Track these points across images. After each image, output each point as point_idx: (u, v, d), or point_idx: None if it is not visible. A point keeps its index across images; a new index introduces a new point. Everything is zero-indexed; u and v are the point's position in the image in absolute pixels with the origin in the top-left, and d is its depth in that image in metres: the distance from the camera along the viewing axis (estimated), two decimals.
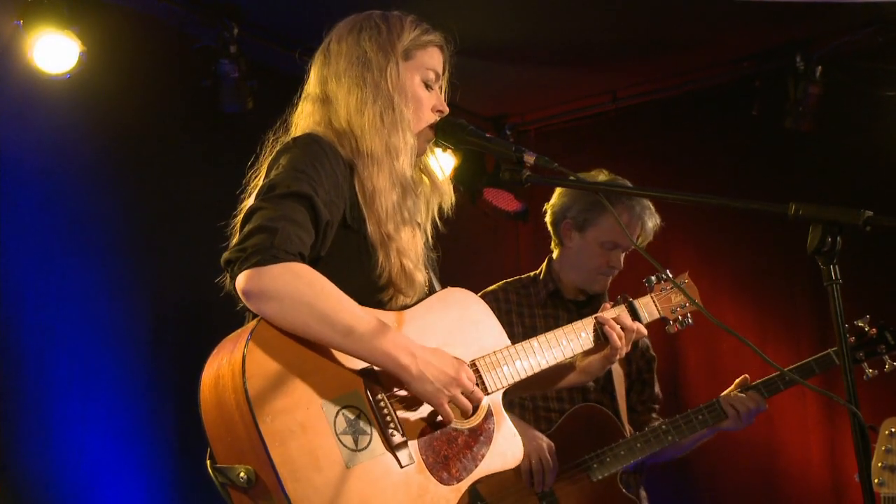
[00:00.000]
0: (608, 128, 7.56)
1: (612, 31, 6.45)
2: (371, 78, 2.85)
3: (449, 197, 3.04)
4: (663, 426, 4.16)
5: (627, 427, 4.31)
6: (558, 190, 4.45)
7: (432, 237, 3.05)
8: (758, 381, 4.23)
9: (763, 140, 6.89)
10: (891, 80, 6.30)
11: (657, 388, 4.52)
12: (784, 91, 6.54)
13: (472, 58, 6.19)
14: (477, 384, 2.83)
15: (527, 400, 4.26)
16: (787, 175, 6.73)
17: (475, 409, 2.81)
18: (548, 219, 4.49)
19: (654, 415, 4.46)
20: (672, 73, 7.09)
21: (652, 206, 4.33)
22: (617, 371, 4.33)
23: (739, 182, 6.92)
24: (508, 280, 4.47)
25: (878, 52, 6.35)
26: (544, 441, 4.00)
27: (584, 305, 4.39)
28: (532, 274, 4.48)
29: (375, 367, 2.62)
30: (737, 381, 4.26)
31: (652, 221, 4.33)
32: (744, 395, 4.18)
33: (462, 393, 2.70)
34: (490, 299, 4.26)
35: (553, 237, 4.48)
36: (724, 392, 4.23)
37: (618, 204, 4.19)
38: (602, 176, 4.31)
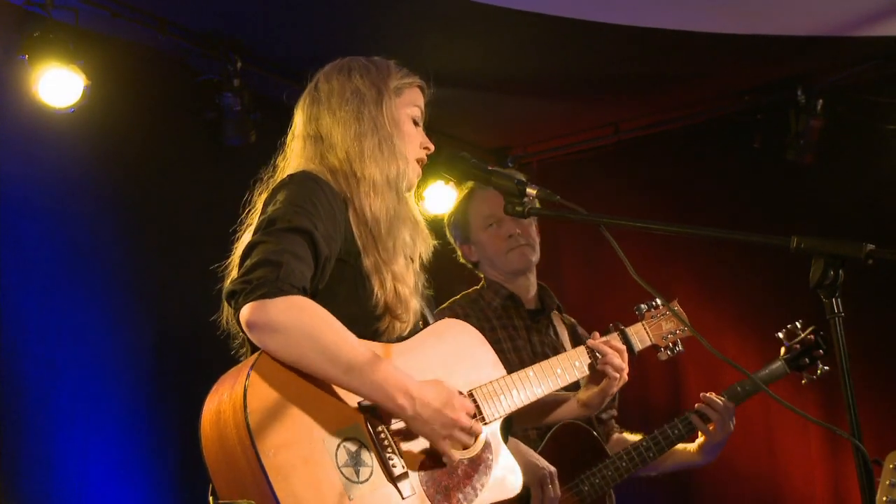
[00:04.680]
0: (610, 160, 7.58)
1: (615, 64, 6.48)
2: (368, 111, 2.90)
3: (428, 243, 3.03)
4: (644, 443, 4.10)
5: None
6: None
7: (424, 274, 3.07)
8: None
9: (765, 172, 6.91)
10: (892, 113, 6.33)
11: (617, 396, 4.45)
12: (785, 124, 6.58)
13: (475, 90, 6.21)
14: (475, 415, 2.84)
15: None
16: (789, 207, 6.75)
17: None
18: (462, 260, 4.49)
19: (613, 421, 4.38)
20: (674, 105, 7.12)
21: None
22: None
23: (741, 214, 6.93)
24: (455, 298, 4.34)
25: (879, 85, 6.39)
26: (546, 470, 3.94)
27: (537, 314, 4.31)
28: (472, 290, 4.37)
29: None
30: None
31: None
32: (716, 398, 4.14)
33: (461, 432, 2.71)
34: (447, 314, 4.16)
35: (473, 269, 4.45)
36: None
37: (482, 191, 4.25)
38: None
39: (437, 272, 3.11)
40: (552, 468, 3.92)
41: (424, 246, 3.01)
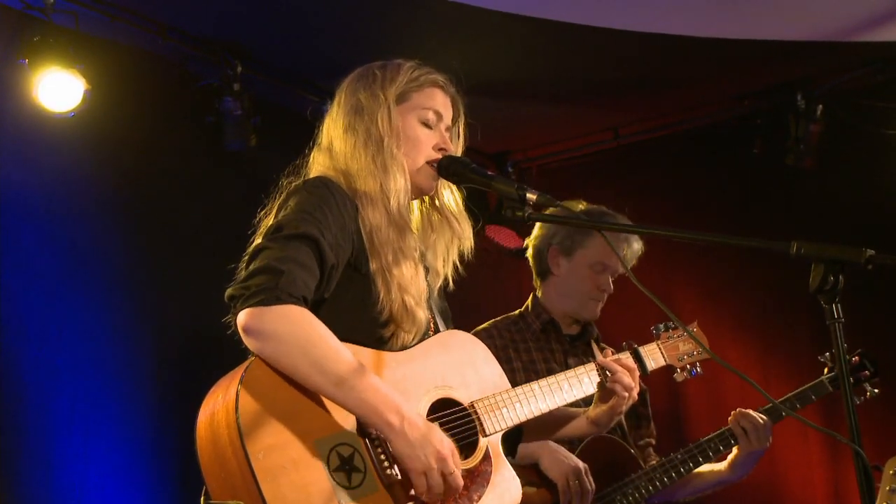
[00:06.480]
0: (610, 165, 7.59)
1: (614, 68, 6.49)
2: (362, 124, 2.92)
3: (468, 240, 3.08)
4: (678, 456, 4.10)
5: None
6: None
7: (453, 280, 3.08)
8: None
9: (764, 177, 6.91)
10: (891, 117, 6.33)
11: (653, 424, 4.47)
12: (785, 129, 6.57)
13: (475, 95, 6.19)
14: (476, 426, 2.84)
15: None
16: (789, 212, 6.75)
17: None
18: (530, 252, 4.46)
19: (651, 449, 4.38)
20: (673, 110, 7.12)
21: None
22: None
23: (741, 219, 6.94)
24: (495, 319, 4.38)
25: (879, 90, 6.39)
26: (581, 463, 3.89)
27: (576, 339, 4.35)
28: (516, 312, 4.40)
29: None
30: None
31: (638, 244, 4.35)
32: (753, 413, 4.13)
33: (441, 472, 2.61)
34: (483, 337, 4.14)
35: (536, 272, 4.43)
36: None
37: (614, 237, 4.19)
38: (581, 206, 4.28)
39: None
40: (583, 464, 3.89)
41: (460, 245, 3.06)
